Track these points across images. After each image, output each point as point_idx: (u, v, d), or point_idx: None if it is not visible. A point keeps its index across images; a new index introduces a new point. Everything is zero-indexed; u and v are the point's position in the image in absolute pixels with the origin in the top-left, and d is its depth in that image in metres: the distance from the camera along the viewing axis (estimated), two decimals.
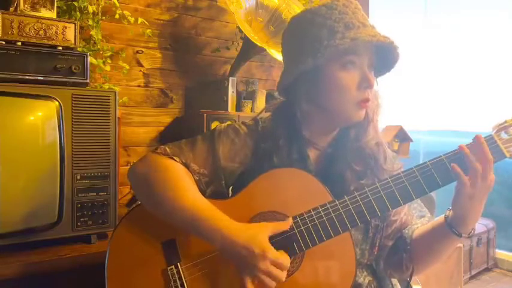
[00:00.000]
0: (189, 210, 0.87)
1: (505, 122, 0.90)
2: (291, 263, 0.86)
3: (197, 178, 0.97)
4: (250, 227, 0.85)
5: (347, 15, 0.91)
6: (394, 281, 1.09)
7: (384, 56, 0.95)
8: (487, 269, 3.17)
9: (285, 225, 0.86)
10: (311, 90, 0.95)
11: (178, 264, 0.91)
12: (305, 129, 0.99)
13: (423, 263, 1.01)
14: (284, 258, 0.82)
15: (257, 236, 0.81)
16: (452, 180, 0.88)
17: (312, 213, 0.87)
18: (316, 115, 0.98)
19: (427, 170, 0.88)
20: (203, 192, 0.95)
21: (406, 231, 1.03)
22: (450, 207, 0.92)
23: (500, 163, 0.89)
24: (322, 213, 0.87)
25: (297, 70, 0.93)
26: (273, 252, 0.80)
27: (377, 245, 1.01)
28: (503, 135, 0.89)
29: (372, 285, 1.00)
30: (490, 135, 0.89)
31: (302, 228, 0.87)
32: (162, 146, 0.99)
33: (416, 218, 1.05)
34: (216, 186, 0.99)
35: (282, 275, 0.81)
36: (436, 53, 3.49)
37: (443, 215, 0.95)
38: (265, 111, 1.12)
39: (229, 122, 1.05)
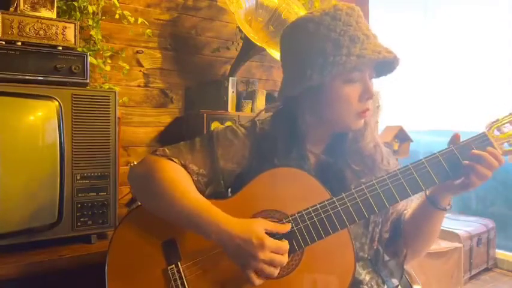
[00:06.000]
0: (187, 206, 0.87)
1: (497, 120, 0.91)
2: (290, 260, 0.86)
3: (196, 179, 0.98)
4: (247, 220, 0.85)
5: (351, 27, 0.91)
6: (394, 280, 1.10)
7: (384, 61, 0.96)
8: (487, 269, 3.16)
9: (283, 228, 0.86)
10: (313, 103, 0.97)
11: (179, 263, 0.92)
12: (305, 138, 1.00)
13: (416, 243, 1.04)
14: (282, 244, 0.82)
15: (253, 227, 0.82)
16: (449, 177, 0.89)
17: (310, 210, 0.88)
18: (315, 124, 0.99)
19: (422, 167, 0.89)
20: (202, 193, 0.95)
21: (401, 218, 1.06)
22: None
23: None
24: (321, 211, 0.88)
25: (301, 85, 0.94)
26: (271, 240, 0.80)
27: (376, 239, 1.02)
28: (496, 133, 0.90)
29: (373, 282, 1.00)
30: (483, 132, 0.91)
31: (301, 225, 0.88)
32: (161, 148, 1.01)
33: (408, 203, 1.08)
34: (215, 187, 1.00)
35: (284, 259, 0.81)
36: (436, 53, 3.49)
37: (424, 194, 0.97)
38: (265, 112, 1.13)
39: (229, 123, 1.05)
